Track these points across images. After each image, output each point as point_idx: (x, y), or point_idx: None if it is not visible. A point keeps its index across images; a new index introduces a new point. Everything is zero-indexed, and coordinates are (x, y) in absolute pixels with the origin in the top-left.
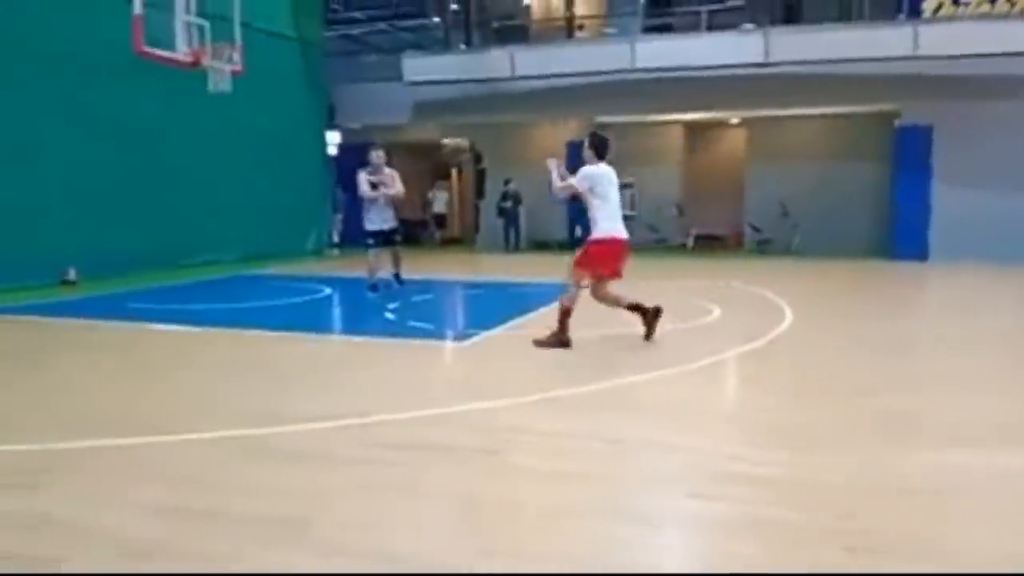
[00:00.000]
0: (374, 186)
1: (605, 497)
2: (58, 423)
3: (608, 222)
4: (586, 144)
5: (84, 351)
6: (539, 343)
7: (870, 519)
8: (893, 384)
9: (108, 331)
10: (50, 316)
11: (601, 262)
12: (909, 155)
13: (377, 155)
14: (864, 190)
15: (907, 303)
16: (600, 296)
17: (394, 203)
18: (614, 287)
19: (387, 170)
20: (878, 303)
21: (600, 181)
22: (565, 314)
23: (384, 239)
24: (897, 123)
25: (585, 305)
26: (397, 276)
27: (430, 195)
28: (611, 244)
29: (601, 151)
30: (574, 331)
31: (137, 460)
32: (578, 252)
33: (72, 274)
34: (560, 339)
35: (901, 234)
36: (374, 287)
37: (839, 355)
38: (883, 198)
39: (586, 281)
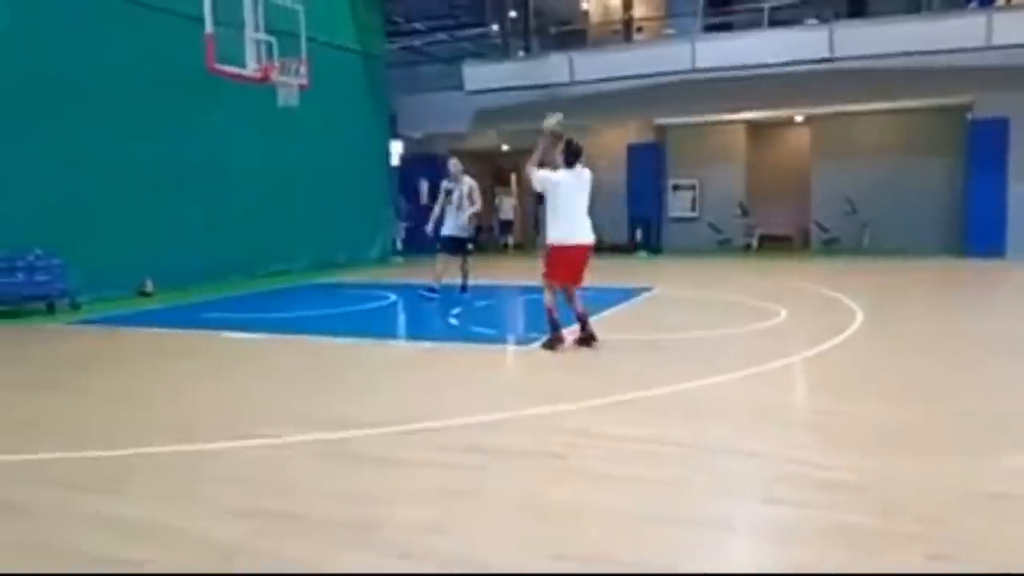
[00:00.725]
0: (448, 194)
1: (676, 502)
2: (137, 429)
3: (559, 230)
4: (559, 147)
5: (161, 359)
6: (544, 346)
7: (952, 524)
8: (969, 386)
9: (183, 339)
10: (128, 326)
11: (557, 267)
12: (983, 149)
13: (454, 164)
14: (936, 186)
15: (982, 302)
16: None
17: (474, 214)
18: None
19: (467, 179)
20: (951, 302)
21: (556, 189)
22: (549, 313)
23: (455, 246)
24: (970, 116)
25: (656, 308)
26: (463, 287)
27: (497, 201)
28: (565, 250)
29: (570, 159)
30: (649, 333)
31: (215, 464)
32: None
33: (149, 285)
34: (554, 338)
35: (975, 231)
36: (432, 289)
37: (911, 357)
38: (956, 194)
39: (559, 284)
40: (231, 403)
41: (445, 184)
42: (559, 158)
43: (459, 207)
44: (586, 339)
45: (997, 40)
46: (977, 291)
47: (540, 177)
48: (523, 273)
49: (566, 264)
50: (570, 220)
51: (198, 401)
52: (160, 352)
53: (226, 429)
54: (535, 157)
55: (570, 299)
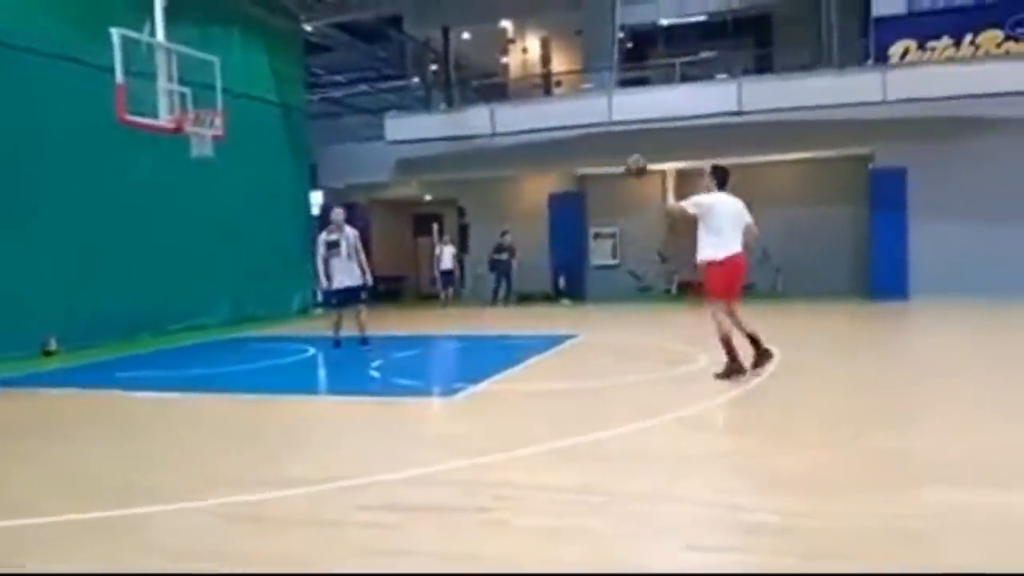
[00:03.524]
0: (332, 246)
1: (602, 552)
2: (44, 496)
3: (712, 246)
4: (708, 178)
5: (64, 422)
6: (718, 376)
7: (875, 562)
8: (886, 423)
9: (90, 400)
10: (29, 388)
11: (717, 282)
12: (884, 196)
13: (340, 213)
14: (842, 232)
15: (891, 340)
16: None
17: (361, 263)
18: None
19: (348, 229)
20: (863, 341)
21: (712, 209)
22: (726, 343)
23: (351, 297)
24: (871, 166)
25: (579, 355)
26: (363, 339)
27: (437, 251)
28: (720, 263)
29: (721, 182)
30: (573, 381)
31: (131, 531)
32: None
33: (52, 343)
34: (731, 368)
35: (880, 274)
36: (337, 343)
37: (828, 396)
38: (861, 239)
39: (722, 305)
40: (144, 467)
41: (329, 236)
42: (711, 183)
43: (349, 256)
44: (762, 356)
45: (892, 95)
46: (887, 332)
47: (692, 202)
48: (442, 322)
49: (724, 277)
50: (722, 235)
51: (107, 466)
52: (63, 415)
53: (137, 494)
54: (671, 195)
55: (732, 315)
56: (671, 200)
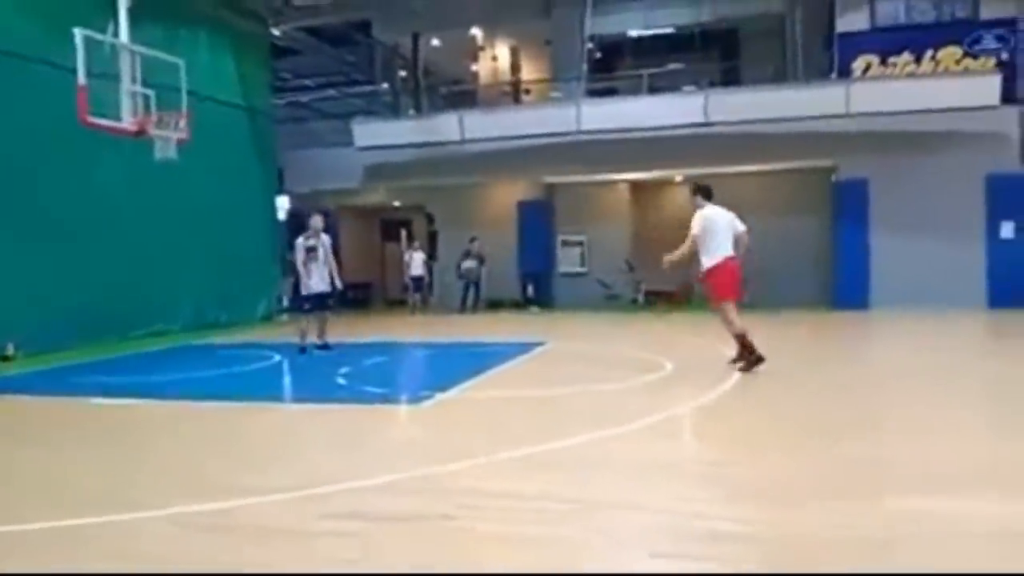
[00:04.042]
0: (310, 251)
1: (565, 560)
2: (6, 505)
3: (714, 253)
4: (693, 195)
5: (22, 429)
6: (741, 369)
7: (840, 570)
8: (849, 431)
9: (48, 407)
10: None
11: (725, 282)
12: (847, 208)
13: (319, 220)
14: (806, 243)
15: (854, 349)
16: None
17: (332, 270)
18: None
19: (324, 236)
20: (829, 352)
21: (713, 224)
22: (741, 339)
23: (322, 302)
24: (834, 177)
25: (547, 362)
26: (324, 344)
27: (406, 257)
28: (723, 266)
29: (708, 196)
30: (541, 388)
31: (93, 540)
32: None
33: (10, 348)
34: (751, 361)
35: (843, 284)
36: (303, 350)
37: (793, 405)
38: (824, 250)
39: (733, 305)
40: (106, 474)
41: (307, 242)
42: (700, 200)
43: (324, 262)
44: (758, 359)
45: (855, 108)
46: (850, 341)
47: (693, 235)
48: (412, 329)
49: (730, 276)
50: (719, 241)
51: (68, 473)
52: (21, 422)
53: (103, 503)
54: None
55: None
56: (684, 246)
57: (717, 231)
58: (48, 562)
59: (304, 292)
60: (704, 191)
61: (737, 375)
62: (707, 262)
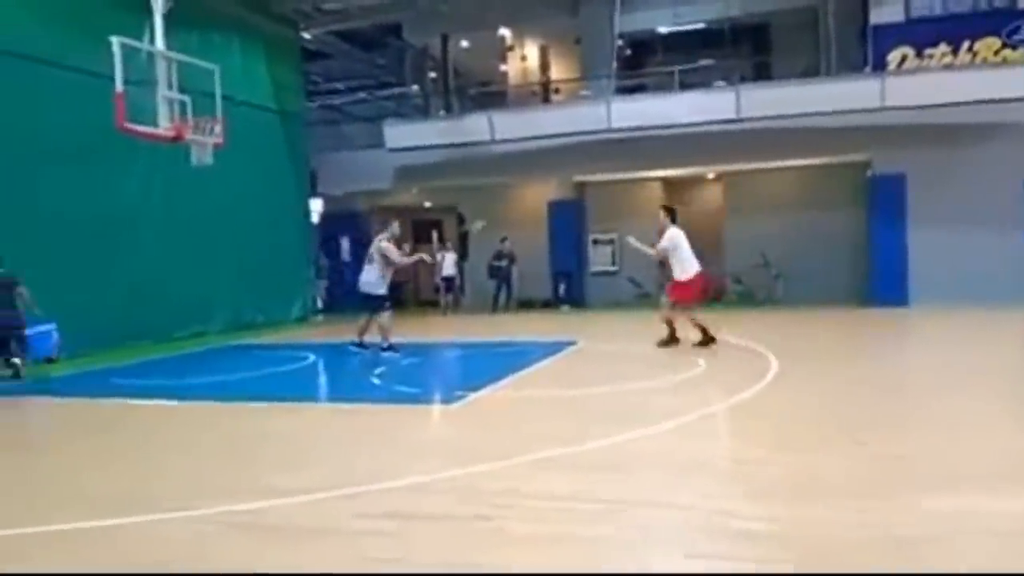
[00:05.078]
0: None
1: (601, 561)
2: (40, 505)
3: (686, 268)
4: (663, 215)
5: (66, 430)
6: (660, 345)
7: (874, 570)
8: (883, 431)
9: (91, 408)
10: (31, 395)
11: (692, 292)
12: (884, 203)
13: (395, 226)
14: (842, 238)
15: (890, 348)
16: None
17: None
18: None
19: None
20: (862, 349)
21: (680, 241)
22: (669, 323)
23: (377, 303)
24: (869, 172)
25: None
26: (360, 343)
27: (439, 257)
28: (694, 280)
29: (674, 218)
30: (573, 388)
31: (127, 541)
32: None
33: (55, 351)
34: (671, 340)
35: (880, 280)
36: (392, 347)
37: (827, 404)
38: (861, 246)
39: (686, 311)
40: (143, 476)
41: (393, 243)
42: (666, 220)
43: (388, 264)
44: (709, 340)
45: (890, 102)
46: (885, 338)
47: (661, 248)
48: (444, 329)
49: (697, 287)
50: (689, 259)
51: (107, 474)
52: (65, 422)
53: (137, 503)
54: (652, 248)
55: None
56: (654, 251)
57: (684, 247)
58: (84, 561)
59: (380, 291)
60: (672, 213)
61: (772, 373)
62: (681, 275)
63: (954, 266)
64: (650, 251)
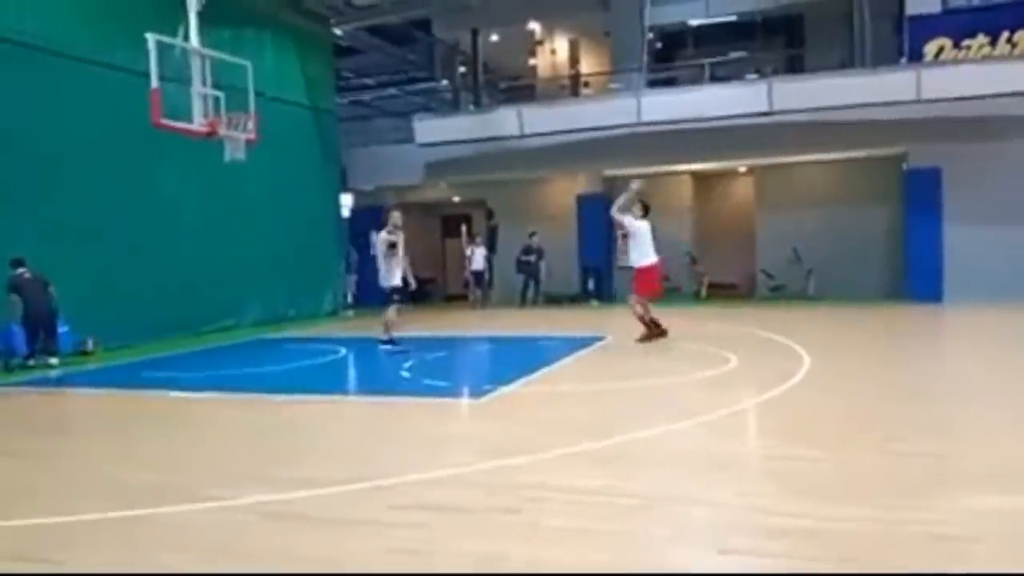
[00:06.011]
0: (392, 245)
1: (633, 555)
2: (80, 494)
3: (644, 256)
4: (637, 205)
5: (103, 420)
6: (640, 340)
7: (910, 569)
8: (917, 428)
9: (126, 400)
10: (69, 387)
11: (647, 282)
12: (919, 197)
13: (396, 215)
14: (876, 233)
15: (924, 345)
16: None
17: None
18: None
19: (400, 233)
20: (896, 346)
21: (640, 231)
22: (642, 320)
23: (404, 294)
24: (905, 166)
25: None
26: (390, 339)
27: (468, 251)
28: (649, 269)
29: (646, 213)
30: (603, 383)
31: (164, 529)
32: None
33: (90, 344)
34: (656, 334)
35: (915, 276)
36: (392, 341)
37: (860, 400)
38: (895, 241)
39: (646, 300)
40: (178, 465)
41: (390, 237)
42: (637, 212)
43: (404, 256)
44: (660, 333)
45: (926, 94)
46: (920, 335)
47: (628, 221)
48: (472, 324)
49: (652, 277)
50: (647, 250)
51: (144, 464)
52: (102, 413)
53: (174, 492)
54: (622, 204)
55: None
56: (616, 208)
57: (647, 237)
58: (119, 550)
59: (385, 285)
60: (646, 208)
61: (804, 370)
62: (638, 261)
63: (990, 262)
64: (621, 202)
